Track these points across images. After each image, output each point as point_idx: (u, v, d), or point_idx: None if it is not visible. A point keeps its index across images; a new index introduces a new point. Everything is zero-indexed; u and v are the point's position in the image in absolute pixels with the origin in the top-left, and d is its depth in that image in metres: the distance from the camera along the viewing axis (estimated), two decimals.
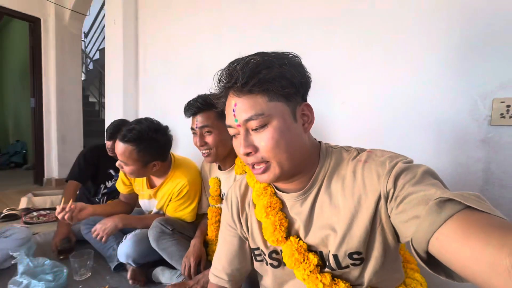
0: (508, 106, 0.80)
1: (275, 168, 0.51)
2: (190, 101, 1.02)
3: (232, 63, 0.51)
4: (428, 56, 0.94)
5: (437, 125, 0.94)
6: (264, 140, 0.49)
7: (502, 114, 0.81)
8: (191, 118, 1.04)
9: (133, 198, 1.42)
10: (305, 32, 1.27)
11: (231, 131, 0.54)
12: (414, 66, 0.98)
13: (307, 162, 0.54)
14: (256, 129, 0.49)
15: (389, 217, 0.46)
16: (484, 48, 0.84)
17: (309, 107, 0.54)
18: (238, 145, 0.52)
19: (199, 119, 1.00)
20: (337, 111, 1.18)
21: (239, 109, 0.50)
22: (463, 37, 0.87)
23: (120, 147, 1.11)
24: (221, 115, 0.98)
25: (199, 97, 1.01)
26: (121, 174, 1.36)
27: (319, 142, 0.59)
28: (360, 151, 0.55)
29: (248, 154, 0.51)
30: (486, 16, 0.83)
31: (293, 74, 0.49)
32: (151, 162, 1.16)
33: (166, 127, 1.22)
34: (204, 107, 0.99)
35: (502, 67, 0.81)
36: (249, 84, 0.47)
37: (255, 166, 0.52)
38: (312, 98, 1.34)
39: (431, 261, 0.37)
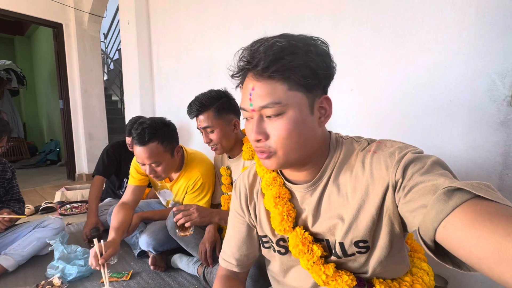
0: None
1: (280, 157, 0.50)
2: (190, 103, 1.07)
3: (255, 42, 0.47)
4: (441, 35, 0.89)
5: (452, 108, 0.89)
6: (277, 129, 0.48)
7: None
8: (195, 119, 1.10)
9: (141, 191, 1.37)
10: (312, 19, 1.24)
11: (244, 114, 0.52)
12: (426, 47, 0.92)
13: (316, 154, 0.54)
14: (270, 117, 0.48)
15: (397, 207, 0.46)
16: (503, 22, 0.77)
17: (328, 100, 0.50)
18: (250, 130, 0.50)
19: (200, 120, 1.06)
20: (346, 99, 1.15)
21: (256, 93, 0.47)
22: (479, 12, 0.81)
23: (144, 151, 1.10)
24: (219, 113, 1.04)
25: (196, 99, 1.06)
26: (135, 166, 1.33)
27: (329, 132, 0.58)
28: (370, 141, 0.54)
29: (258, 141, 0.50)
30: None
31: (318, 65, 0.45)
32: (174, 148, 1.21)
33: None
34: (202, 108, 1.04)
35: None
36: (270, 69, 0.45)
37: (261, 152, 0.51)
38: None
39: (438, 250, 0.37)
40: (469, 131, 0.86)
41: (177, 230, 1.03)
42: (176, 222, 1.00)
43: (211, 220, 1.04)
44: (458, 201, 0.34)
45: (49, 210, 2.24)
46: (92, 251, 0.95)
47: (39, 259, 1.37)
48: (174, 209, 1.02)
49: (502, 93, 0.80)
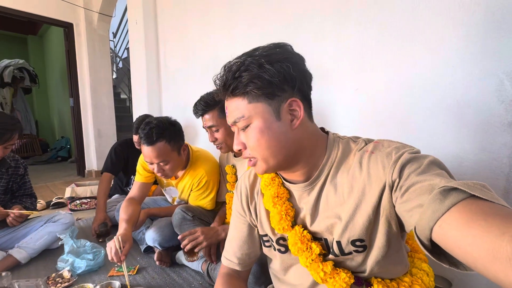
0: None
1: (261, 163, 0.54)
2: (196, 102, 1.09)
3: (223, 67, 0.54)
4: (448, 35, 0.87)
5: (458, 108, 0.88)
6: (248, 139, 0.53)
7: None
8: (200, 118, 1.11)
9: (147, 188, 1.40)
10: (317, 20, 1.23)
11: (231, 129, 0.59)
12: (433, 47, 0.91)
13: (304, 155, 0.55)
14: (243, 129, 0.54)
15: (394, 206, 0.46)
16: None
17: (296, 102, 0.52)
18: None
19: (206, 119, 1.07)
20: (350, 99, 1.14)
21: (229, 111, 0.55)
22: (488, 11, 0.79)
23: (152, 150, 1.12)
24: (224, 112, 1.04)
25: (202, 98, 1.08)
26: (142, 164, 1.36)
27: (327, 132, 0.59)
28: (367, 141, 0.54)
29: (239, 151, 0.56)
30: None
31: (272, 73, 0.49)
32: (181, 147, 1.23)
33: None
34: (207, 108, 1.05)
35: None
36: (230, 88, 0.51)
37: (248, 160, 0.57)
38: (323, 86, 1.31)
39: (435, 249, 0.38)
40: (476, 132, 0.85)
41: (185, 256, 1.03)
42: (184, 248, 1.01)
43: (218, 238, 1.04)
44: (454, 201, 0.34)
45: (59, 205, 2.31)
46: (111, 248, 0.99)
47: (50, 252, 1.42)
48: (179, 237, 1.03)
49: (511, 94, 0.78)
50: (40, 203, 2.26)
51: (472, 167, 0.85)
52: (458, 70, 0.87)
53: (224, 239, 1.18)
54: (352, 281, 0.54)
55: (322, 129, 0.60)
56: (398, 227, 0.49)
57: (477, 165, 0.85)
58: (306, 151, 0.55)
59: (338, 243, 0.53)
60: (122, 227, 1.12)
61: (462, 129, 0.87)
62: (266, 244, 0.67)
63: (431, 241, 0.37)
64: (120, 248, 1.00)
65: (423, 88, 0.95)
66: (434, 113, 0.93)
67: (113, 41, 5.34)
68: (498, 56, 0.79)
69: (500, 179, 0.81)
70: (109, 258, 0.99)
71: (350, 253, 0.53)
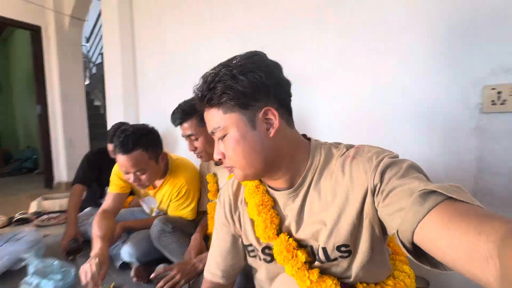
0: (499, 92, 0.79)
1: (239, 171, 0.55)
2: (174, 111, 1.06)
3: (201, 77, 0.54)
4: (416, 47, 0.94)
5: (429, 115, 0.94)
6: (225, 149, 0.54)
7: (493, 101, 0.80)
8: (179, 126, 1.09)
9: (122, 199, 1.32)
10: (294, 29, 1.27)
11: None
12: (403, 58, 0.97)
13: (283, 162, 0.55)
14: (220, 139, 0.54)
15: (376, 211, 0.47)
16: (472, 34, 0.83)
17: (271, 111, 0.52)
18: None
19: (184, 128, 1.05)
20: (328, 106, 1.18)
21: (207, 121, 0.56)
22: (450, 25, 0.86)
23: (128, 159, 1.06)
24: (202, 120, 1.02)
25: (179, 107, 1.06)
26: (116, 173, 1.29)
27: (309, 138, 0.60)
28: (348, 147, 0.55)
29: (220, 160, 0.57)
30: (473, 1, 0.81)
31: (245, 84, 0.49)
32: (159, 155, 1.18)
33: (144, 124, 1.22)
34: (185, 116, 1.03)
35: (491, 53, 0.80)
36: (205, 99, 0.52)
37: (227, 168, 0.58)
38: (302, 93, 1.34)
39: (416, 251, 0.39)
40: (446, 137, 0.90)
41: None
42: None
43: (196, 271, 0.99)
44: (433, 203, 0.35)
45: (24, 221, 2.12)
46: (87, 272, 0.90)
47: (12, 274, 1.28)
48: (152, 275, 0.98)
49: (474, 101, 0.84)
50: (1, 219, 2.06)
51: (444, 169, 0.91)
52: (428, 79, 0.93)
53: (204, 233, 1.14)
54: (338, 287, 0.54)
55: (304, 135, 0.61)
56: (380, 231, 0.50)
57: (448, 168, 0.90)
58: (286, 158, 0.55)
59: (324, 249, 0.53)
60: (97, 246, 1.02)
61: (433, 134, 0.93)
62: (251, 254, 0.65)
63: (412, 243, 0.38)
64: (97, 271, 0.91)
65: (397, 96, 1.00)
66: (407, 119, 0.98)
67: (86, 45, 5.12)
68: (462, 66, 0.86)
69: (468, 181, 0.86)
70: (83, 283, 0.90)
71: (335, 259, 0.53)
